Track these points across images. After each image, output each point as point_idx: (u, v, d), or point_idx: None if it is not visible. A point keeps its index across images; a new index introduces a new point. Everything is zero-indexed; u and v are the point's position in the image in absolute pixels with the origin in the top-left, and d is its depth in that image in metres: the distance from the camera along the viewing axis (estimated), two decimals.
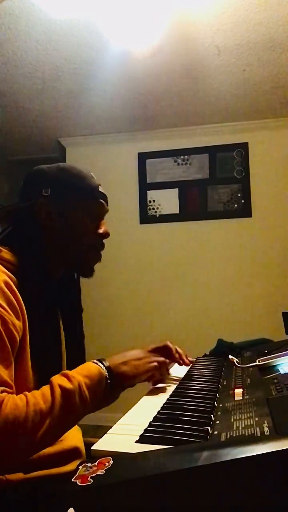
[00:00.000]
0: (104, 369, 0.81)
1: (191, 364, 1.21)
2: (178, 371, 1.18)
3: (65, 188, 0.96)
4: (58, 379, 0.75)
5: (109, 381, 0.81)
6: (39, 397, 0.70)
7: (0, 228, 0.96)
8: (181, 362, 1.17)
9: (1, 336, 0.73)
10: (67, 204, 0.96)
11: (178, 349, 1.18)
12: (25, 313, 0.81)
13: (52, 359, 0.90)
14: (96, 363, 0.82)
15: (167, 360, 1.08)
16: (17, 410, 0.66)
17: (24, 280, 0.84)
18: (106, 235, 1.01)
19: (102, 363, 0.83)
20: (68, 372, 0.78)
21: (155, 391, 1.03)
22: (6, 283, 0.78)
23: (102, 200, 1.01)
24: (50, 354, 0.88)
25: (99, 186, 1.01)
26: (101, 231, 1.00)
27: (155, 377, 1.00)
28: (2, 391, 0.69)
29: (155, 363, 0.95)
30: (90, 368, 0.81)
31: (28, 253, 0.90)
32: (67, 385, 0.74)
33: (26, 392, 0.72)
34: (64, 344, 1.00)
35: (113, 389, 0.83)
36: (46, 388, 0.73)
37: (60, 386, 0.73)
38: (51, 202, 0.94)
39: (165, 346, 1.14)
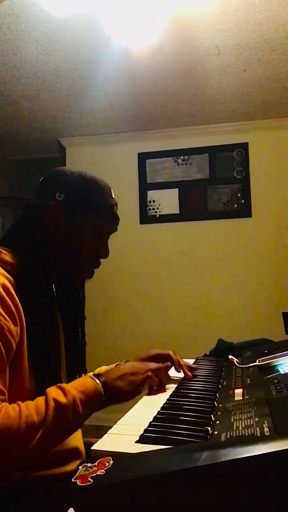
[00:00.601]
0: (100, 386, 0.80)
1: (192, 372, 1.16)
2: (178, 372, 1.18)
3: (79, 199, 0.94)
4: (53, 392, 0.75)
5: (104, 397, 0.80)
6: (33, 409, 0.70)
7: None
8: (183, 372, 1.13)
9: None
10: (75, 214, 0.94)
11: (181, 361, 1.15)
12: (23, 317, 0.80)
13: (51, 363, 0.89)
14: (93, 379, 0.82)
15: (168, 364, 1.06)
16: (9, 420, 0.66)
17: (23, 282, 0.84)
18: (105, 256, 0.99)
19: (98, 379, 0.82)
20: (64, 385, 0.77)
21: (150, 391, 1.02)
22: (4, 287, 0.78)
23: (113, 222, 0.99)
24: (48, 359, 0.87)
25: (115, 206, 0.99)
26: (101, 253, 0.98)
27: (153, 385, 0.97)
28: None
29: (150, 374, 0.92)
30: (86, 384, 0.80)
31: (28, 254, 0.89)
32: (62, 399, 0.73)
33: (20, 402, 0.72)
34: (63, 348, 0.98)
35: (107, 405, 0.82)
36: (40, 400, 0.73)
37: (55, 400, 0.72)
38: (61, 208, 0.93)
39: (168, 355, 1.13)
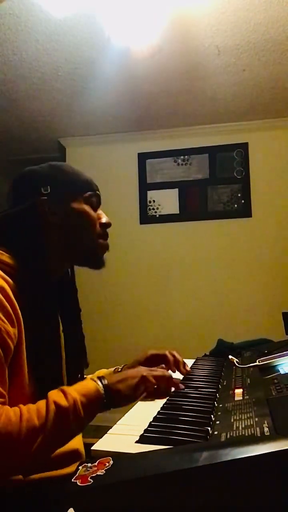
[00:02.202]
0: (102, 388, 0.80)
1: (186, 372, 1.15)
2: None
3: (64, 184, 0.96)
4: (54, 395, 0.74)
5: (105, 400, 0.80)
6: (34, 413, 0.70)
7: None
8: (178, 371, 1.14)
9: None
10: (68, 199, 0.96)
11: (177, 356, 1.15)
12: (21, 319, 0.80)
13: (51, 363, 0.89)
14: (95, 381, 0.81)
15: (170, 373, 1.02)
16: (10, 425, 0.66)
17: (23, 283, 0.83)
18: (108, 224, 1.01)
19: (101, 381, 0.82)
20: (65, 388, 0.77)
21: (150, 395, 1.02)
22: (2, 289, 0.78)
23: (98, 192, 1.02)
24: (48, 359, 0.87)
25: (88, 175, 1.02)
26: (103, 220, 1.00)
27: (149, 386, 0.94)
28: None
29: (146, 373, 0.90)
30: (88, 386, 0.80)
31: (27, 256, 0.88)
32: (63, 402, 0.73)
33: (22, 406, 0.72)
34: (63, 347, 0.98)
35: (109, 408, 0.81)
36: (41, 404, 0.73)
37: (55, 403, 0.72)
38: (52, 199, 0.94)
39: (164, 356, 1.13)
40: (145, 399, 0.94)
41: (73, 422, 0.73)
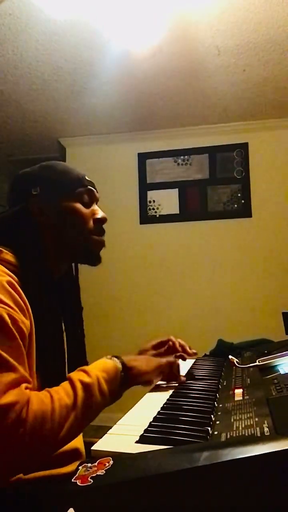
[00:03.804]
0: (119, 363, 0.85)
1: (195, 357, 1.26)
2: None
3: (53, 183, 0.97)
4: (76, 375, 0.77)
5: (122, 373, 0.84)
6: (62, 392, 0.72)
7: None
8: (185, 356, 1.20)
9: (13, 334, 0.73)
10: (59, 198, 0.96)
11: (181, 341, 1.23)
12: (31, 313, 0.81)
13: (56, 358, 0.91)
14: (110, 358, 0.86)
15: (176, 360, 1.10)
16: (44, 406, 0.68)
17: (25, 281, 0.84)
18: (103, 219, 1.01)
19: (117, 358, 0.86)
20: (85, 367, 0.80)
21: (155, 391, 1.03)
22: (10, 283, 0.78)
23: (91, 187, 1.01)
24: (54, 353, 0.89)
25: (81, 172, 1.02)
26: (97, 216, 1.00)
27: (166, 374, 1.04)
28: (26, 388, 0.69)
29: (165, 361, 1.00)
30: (105, 363, 0.84)
31: (27, 254, 0.89)
32: (87, 379, 0.76)
33: (48, 389, 0.73)
34: (65, 343, 1.00)
35: (127, 383, 0.86)
36: (66, 384, 0.75)
37: (81, 381, 0.75)
38: (43, 199, 0.95)
39: (168, 340, 1.20)
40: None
41: (99, 397, 0.76)
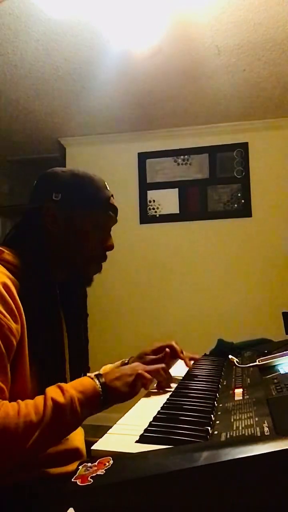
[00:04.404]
0: (99, 386, 0.81)
1: (192, 363, 1.22)
2: (178, 371, 1.18)
3: (76, 196, 0.94)
4: (52, 391, 0.75)
5: (102, 397, 0.81)
6: (31, 408, 0.71)
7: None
8: (184, 361, 1.18)
9: None
10: (75, 212, 0.94)
11: (183, 352, 1.19)
12: (23, 316, 0.80)
13: (53, 363, 0.89)
14: (92, 379, 0.83)
15: (163, 366, 1.04)
16: (8, 419, 0.67)
17: (25, 282, 0.84)
18: (110, 248, 1.00)
19: (98, 379, 0.83)
20: (63, 385, 0.78)
21: (155, 391, 1.03)
22: (5, 285, 0.78)
23: (112, 213, 1.00)
24: (50, 358, 0.87)
25: (111, 198, 1.00)
26: (106, 243, 0.99)
27: (146, 383, 0.96)
28: None
29: (140, 371, 0.91)
30: (85, 384, 0.81)
31: (30, 255, 0.89)
32: (60, 399, 0.74)
33: (20, 401, 0.72)
34: (67, 348, 0.99)
35: (106, 405, 0.83)
36: (39, 399, 0.74)
37: (53, 399, 0.73)
38: (60, 207, 0.93)
39: (170, 346, 1.15)
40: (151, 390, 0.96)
41: (70, 419, 0.74)
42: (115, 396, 0.84)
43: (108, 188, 1.01)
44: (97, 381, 0.82)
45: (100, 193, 0.98)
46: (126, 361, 1.17)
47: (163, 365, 1.01)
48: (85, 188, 0.96)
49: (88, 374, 0.90)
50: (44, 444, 0.71)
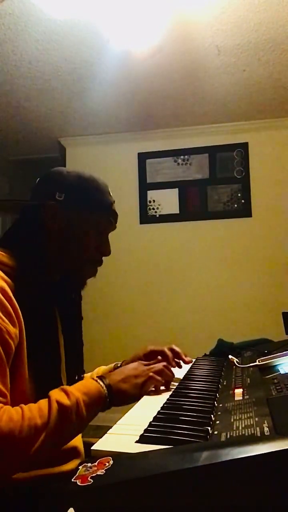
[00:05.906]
0: (105, 388, 0.81)
1: (191, 363, 1.21)
2: (178, 371, 1.18)
3: (79, 198, 0.94)
4: (56, 394, 0.75)
5: (108, 399, 0.81)
6: (35, 412, 0.70)
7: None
8: (180, 364, 1.16)
9: None
10: (76, 214, 0.94)
11: (176, 348, 1.17)
12: (21, 319, 0.79)
13: (50, 365, 0.89)
14: (97, 381, 0.82)
15: (165, 364, 1.04)
16: (12, 423, 0.66)
17: (21, 284, 0.83)
18: (107, 253, 1.00)
19: (102, 381, 0.82)
20: (67, 387, 0.77)
21: (155, 391, 1.03)
22: (2, 290, 0.77)
23: (112, 219, 1.00)
24: (47, 361, 0.87)
25: (113, 204, 1.00)
26: (102, 249, 0.99)
27: (158, 385, 0.98)
28: None
29: (151, 374, 0.93)
30: (90, 386, 0.80)
31: (27, 256, 0.88)
32: (65, 401, 0.73)
33: (23, 405, 0.71)
34: (62, 349, 0.98)
35: (110, 407, 0.82)
36: (43, 402, 0.73)
37: (58, 402, 0.72)
38: (61, 208, 0.93)
39: (162, 352, 1.14)
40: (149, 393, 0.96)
41: (76, 422, 0.73)
42: (122, 398, 0.84)
43: (111, 194, 1.01)
44: (101, 383, 0.82)
45: (104, 198, 0.98)
46: (119, 364, 1.16)
47: (164, 363, 1.02)
48: (90, 191, 0.96)
49: (89, 375, 0.90)
50: (49, 447, 0.70)
